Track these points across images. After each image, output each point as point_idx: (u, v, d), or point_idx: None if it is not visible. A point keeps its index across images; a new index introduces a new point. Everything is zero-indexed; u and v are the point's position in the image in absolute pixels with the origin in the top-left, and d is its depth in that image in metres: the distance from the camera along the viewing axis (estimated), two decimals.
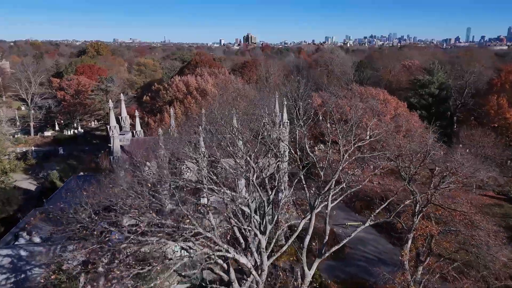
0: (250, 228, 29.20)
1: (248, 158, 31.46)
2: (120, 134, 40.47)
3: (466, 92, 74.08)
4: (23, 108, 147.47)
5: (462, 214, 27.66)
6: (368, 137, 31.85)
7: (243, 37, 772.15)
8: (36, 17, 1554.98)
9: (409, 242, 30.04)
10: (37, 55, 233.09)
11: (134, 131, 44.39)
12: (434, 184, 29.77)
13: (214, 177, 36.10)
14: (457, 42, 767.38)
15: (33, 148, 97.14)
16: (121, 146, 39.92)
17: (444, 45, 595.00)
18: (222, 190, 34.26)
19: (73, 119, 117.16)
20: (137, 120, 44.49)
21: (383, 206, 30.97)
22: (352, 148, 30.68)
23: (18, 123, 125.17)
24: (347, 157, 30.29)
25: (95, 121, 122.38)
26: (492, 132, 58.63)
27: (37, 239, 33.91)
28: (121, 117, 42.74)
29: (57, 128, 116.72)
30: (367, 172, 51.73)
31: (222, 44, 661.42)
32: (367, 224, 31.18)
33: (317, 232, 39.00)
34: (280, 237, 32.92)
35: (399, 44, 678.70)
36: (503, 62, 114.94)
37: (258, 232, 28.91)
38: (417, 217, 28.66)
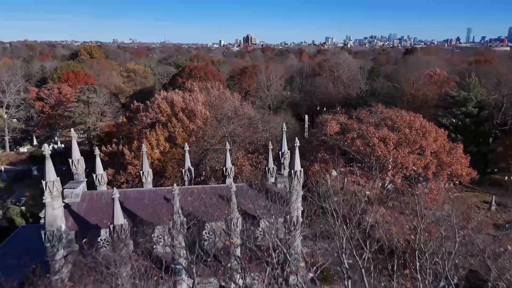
0: None
1: None
2: (66, 188, 29.11)
3: (504, 108, 62.55)
4: (5, 116, 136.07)
5: None
6: None
7: (243, 38, 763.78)
8: (36, 17, 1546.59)
9: None
10: (26, 59, 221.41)
11: (95, 176, 33.01)
12: None
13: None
14: (458, 42, 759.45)
15: (3, 168, 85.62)
16: (66, 205, 28.48)
17: (446, 45, 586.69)
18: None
19: (54, 132, 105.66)
20: (98, 160, 33.07)
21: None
22: None
23: None
24: None
25: (80, 133, 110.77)
26: None
27: None
28: (72, 161, 31.36)
29: (35, 142, 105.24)
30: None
31: (222, 45, 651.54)
32: None
33: None
34: None
35: (399, 45, 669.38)
36: None
37: None
38: None
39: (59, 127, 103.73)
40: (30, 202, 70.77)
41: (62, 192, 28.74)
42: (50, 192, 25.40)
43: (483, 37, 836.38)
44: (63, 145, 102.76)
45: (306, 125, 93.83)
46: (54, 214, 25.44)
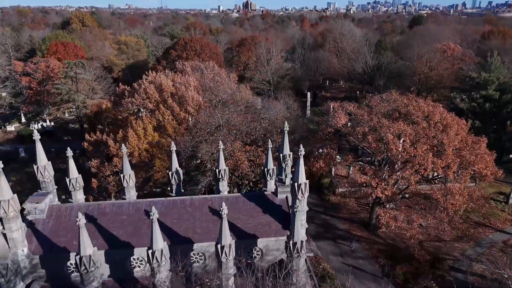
0: None
1: None
2: (29, 201, 24.76)
3: None
4: None
5: None
6: None
7: (243, 4, 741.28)
8: None
9: None
10: (16, 27, 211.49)
11: (68, 180, 28.53)
12: None
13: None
14: (463, 8, 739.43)
15: None
16: (30, 223, 24.24)
17: (451, 11, 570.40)
18: None
19: (42, 109, 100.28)
20: (71, 163, 28.41)
21: None
22: None
23: None
24: None
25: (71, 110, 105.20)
26: None
27: None
28: (38, 167, 26.81)
29: (23, 120, 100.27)
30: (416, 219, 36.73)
31: (220, 11, 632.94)
32: None
33: None
34: None
35: (404, 10, 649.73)
36: None
37: None
38: None
39: (48, 104, 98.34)
40: (17, 188, 66.90)
41: (24, 208, 24.49)
42: (6, 213, 21.12)
43: (490, 2, 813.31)
44: (52, 123, 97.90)
45: (308, 103, 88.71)
46: (12, 238, 21.30)
